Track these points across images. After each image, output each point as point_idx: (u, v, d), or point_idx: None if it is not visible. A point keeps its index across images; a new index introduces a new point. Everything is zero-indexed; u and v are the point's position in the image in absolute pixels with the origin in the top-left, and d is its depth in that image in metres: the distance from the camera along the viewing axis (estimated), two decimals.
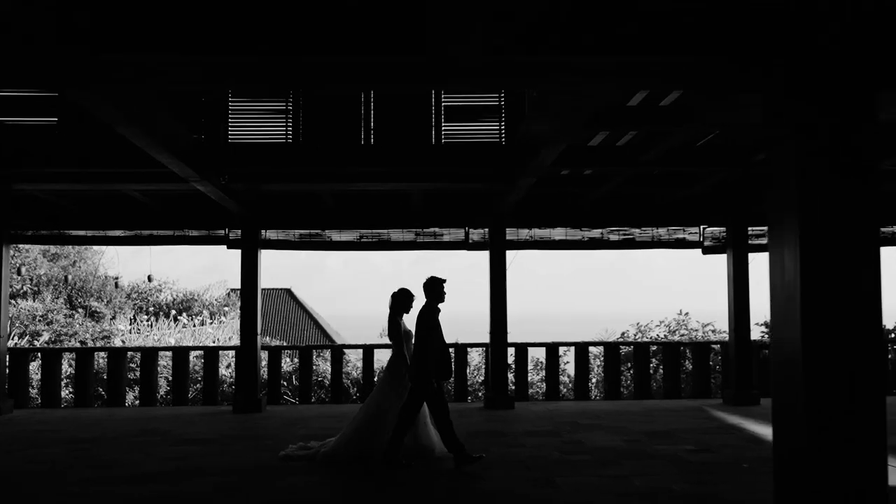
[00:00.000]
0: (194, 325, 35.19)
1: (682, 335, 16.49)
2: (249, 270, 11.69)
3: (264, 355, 13.25)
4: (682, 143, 8.75)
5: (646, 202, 11.99)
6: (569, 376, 15.39)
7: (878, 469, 3.87)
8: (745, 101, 6.51)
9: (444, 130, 9.59)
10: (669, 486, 6.61)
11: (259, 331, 11.88)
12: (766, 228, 12.53)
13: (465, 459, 7.39)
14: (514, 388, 13.26)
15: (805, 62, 4.01)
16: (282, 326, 47.66)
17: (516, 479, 6.97)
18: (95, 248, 33.84)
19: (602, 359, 14.71)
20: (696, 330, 16.67)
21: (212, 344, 21.12)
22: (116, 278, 36.41)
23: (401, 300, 8.01)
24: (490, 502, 6.32)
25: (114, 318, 31.67)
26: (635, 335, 17.25)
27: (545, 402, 12.74)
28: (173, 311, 27.08)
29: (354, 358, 15.57)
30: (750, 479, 6.90)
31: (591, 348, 14.31)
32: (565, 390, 15.24)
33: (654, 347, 14.12)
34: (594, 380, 15.30)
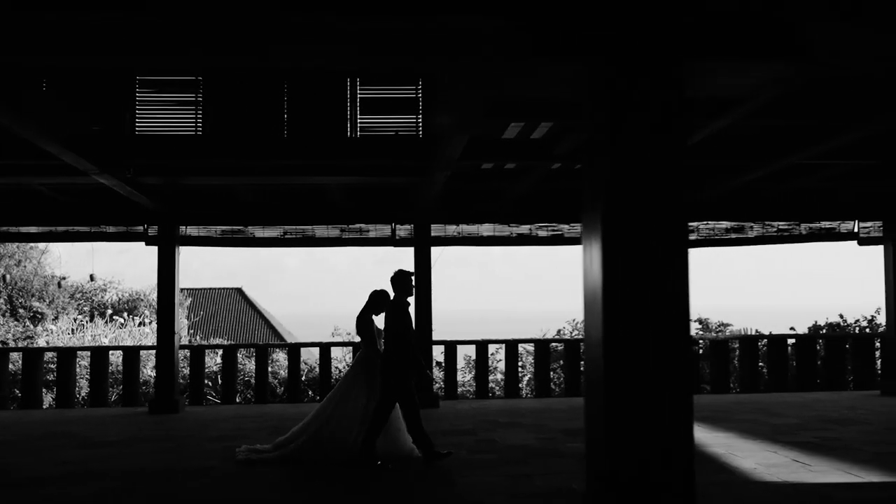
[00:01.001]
0: (133, 326, 34.46)
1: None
2: (167, 268, 11.36)
3: (186, 355, 12.90)
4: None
5: (574, 197, 11.82)
6: (501, 374, 15.26)
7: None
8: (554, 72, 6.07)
9: (361, 123, 9.37)
10: (570, 486, 6.47)
11: (176, 329, 11.54)
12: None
13: (433, 456, 7.25)
14: (442, 386, 13.09)
15: (620, 31, 3.85)
16: (231, 326, 47.02)
17: (416, 478, 6.81)
18: (41, 246, 33.01)
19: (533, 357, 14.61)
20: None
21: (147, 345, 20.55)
22: (63, 278, 35.58)
23: (378, 300, 7.76)
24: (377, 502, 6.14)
25: (56, 318, 30.90)
26: (571, 332, 17.18)
27: (472, 401, 12.59)
28: (109, 311, 26.43)
29: (283, 357, 15.27)
30: None
31: (523, 346, 14.20)
32: (497, 389, 15.12)
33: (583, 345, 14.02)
34: (526, 378, 15.20)
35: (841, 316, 15.92)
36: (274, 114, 9.20)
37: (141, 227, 11.96)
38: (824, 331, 15.36)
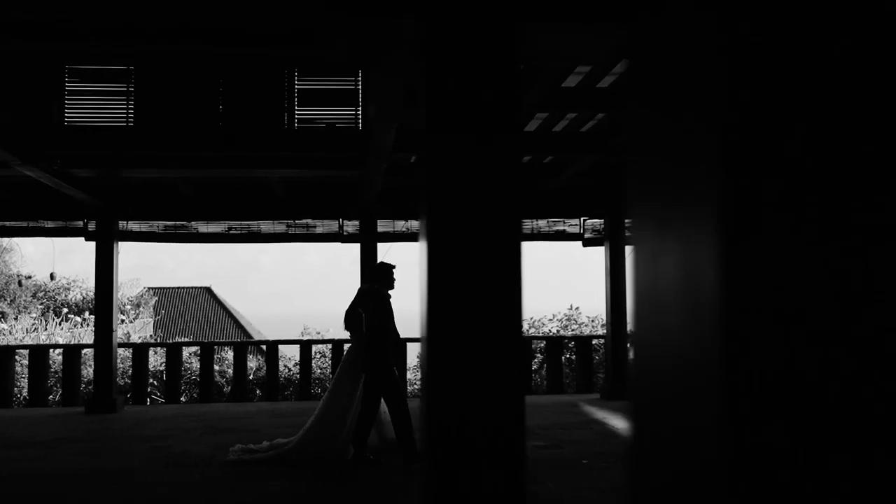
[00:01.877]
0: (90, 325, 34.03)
1: (573, 330, 16.33)
2: (104, 263, 11.05)
3: (128, 353, 12.60)
4: (536, 129, 8.47)
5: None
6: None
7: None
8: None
9: (299, 115, 9.15)
10: None
11: (115, 327, 11.23)
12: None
13: (413, 457, 7.05)
14: None
15: None
16: (199, 325, 46.52)
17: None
18: (4, 243, 32.45)
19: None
20: (585, 324, 16.54)
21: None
22: (28, 277, 35.15)
23: (366, 294, 7.59)
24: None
25: (17, 318, 30.47)
26: (528, 330, 17.03)
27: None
28: (65, 310, 26.01)
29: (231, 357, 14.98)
30: (578, 476, 6.63)
31: None
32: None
33: (538, 343, 13.89)
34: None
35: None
36: (209, 105, 8.96)
37: (80, 223, 11.65)
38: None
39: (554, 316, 17.08)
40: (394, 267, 7.47)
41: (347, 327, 7.53)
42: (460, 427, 3.07)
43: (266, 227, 11.98)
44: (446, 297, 3.07)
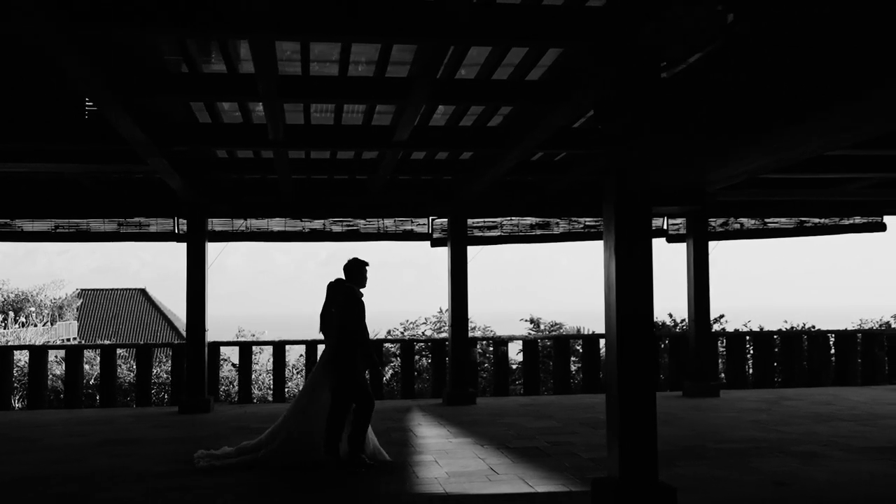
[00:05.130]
0: (15, 326, 33.20)
1: (444, 332, 15.97)
2: None
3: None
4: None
5: (360, 190, 11.17)
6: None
7: None
8: None
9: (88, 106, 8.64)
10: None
11: None
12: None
13: (357, 463, 6.78)
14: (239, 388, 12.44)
15: None
16: (132, 328, 45.69)
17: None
18: None
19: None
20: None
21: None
22: None
23: (335, 291, 7.16)
24: None
25: None
26: (402, 332, 16.65)
27: (266, 405, 11.99)
28: None
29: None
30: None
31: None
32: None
33: (389, 345, 13.53)
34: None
35: (670, 315, 15.81)
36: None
37: None
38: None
39: (427, 319, 16.72)
40: (367, 264, 7.15)
41: (322, 329, 7.17)
42: None
43: (96, 225, 11.48)
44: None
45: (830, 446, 7.62)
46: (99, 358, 12.58)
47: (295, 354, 15.71)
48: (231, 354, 14.56)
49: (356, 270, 7.12)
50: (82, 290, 47.67)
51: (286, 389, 12.90)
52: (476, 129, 8.25)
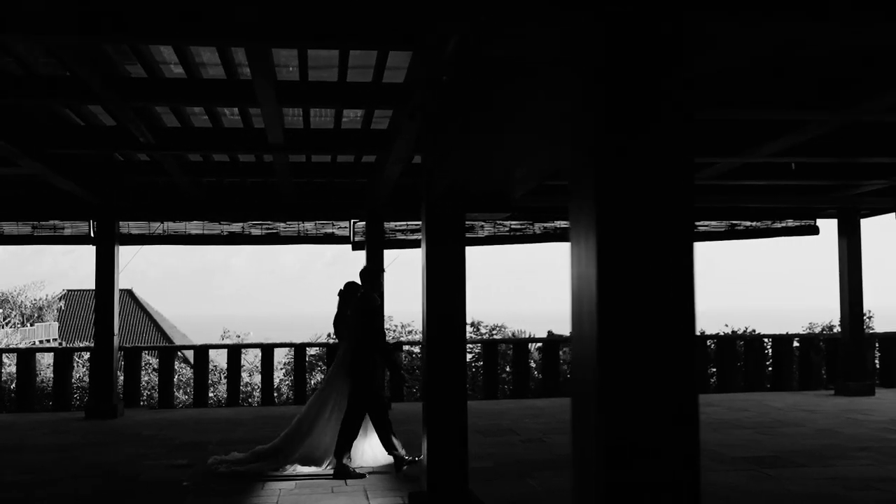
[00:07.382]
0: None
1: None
2: None
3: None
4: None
5: (275, 193, 11.01)
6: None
7: None
8: None
9: None
10: None
11: None
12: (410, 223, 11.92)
13: (401, 462, 6.80)
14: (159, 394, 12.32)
15: None
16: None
17: None
18: None
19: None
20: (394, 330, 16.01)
21: None
22: None
23: (349, 294, 7.24)
24: None
25: None
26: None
27: (184, 410, 11.87)
28: None
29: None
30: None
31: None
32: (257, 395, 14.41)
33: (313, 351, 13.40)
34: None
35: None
36: None
37: None
38: None
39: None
40: (382, 271, 7.29)
41: (337, 334, 7.26)
42: None
43: (9, 227, 11.39)
44: None
45: (706, 455, 7.45)
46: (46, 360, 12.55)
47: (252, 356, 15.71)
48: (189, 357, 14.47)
49: (373, 276, 7.22)
50: (68, 290, 47.66)
51: (240, 394, 12.81)
52: (361, 133, 8.09)
